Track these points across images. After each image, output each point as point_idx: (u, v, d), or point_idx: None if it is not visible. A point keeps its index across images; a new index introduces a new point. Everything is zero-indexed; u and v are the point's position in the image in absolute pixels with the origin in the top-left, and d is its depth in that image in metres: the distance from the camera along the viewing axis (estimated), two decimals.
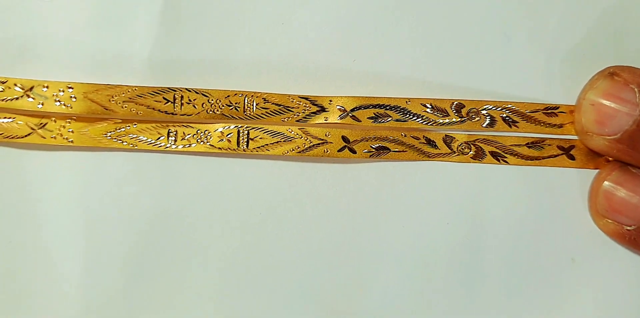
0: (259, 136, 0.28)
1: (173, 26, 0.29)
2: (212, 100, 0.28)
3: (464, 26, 0.29)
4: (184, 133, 0.29)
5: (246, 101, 0.28)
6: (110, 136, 0.28)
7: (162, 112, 0.28)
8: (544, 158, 0.29)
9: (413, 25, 0.29)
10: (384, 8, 0.29)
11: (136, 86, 0.28)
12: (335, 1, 0.29)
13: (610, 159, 0.29)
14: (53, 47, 0.29)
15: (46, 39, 0.29)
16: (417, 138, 0.29)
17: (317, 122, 0.28)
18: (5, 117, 0.28)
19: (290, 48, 0.29)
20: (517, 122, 0.29)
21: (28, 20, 0.29)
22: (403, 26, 0.29)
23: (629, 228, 0.28)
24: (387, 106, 0.28)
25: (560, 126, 0.29)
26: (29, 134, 0.28)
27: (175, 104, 0.28)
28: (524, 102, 0.29)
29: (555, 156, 0.29)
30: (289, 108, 0.28)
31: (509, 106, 0.29)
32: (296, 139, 0.28)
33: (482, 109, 0.29)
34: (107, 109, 0.28)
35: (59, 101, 0.28)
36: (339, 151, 0.29)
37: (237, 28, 0.29)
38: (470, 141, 0.29)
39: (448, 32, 0.29)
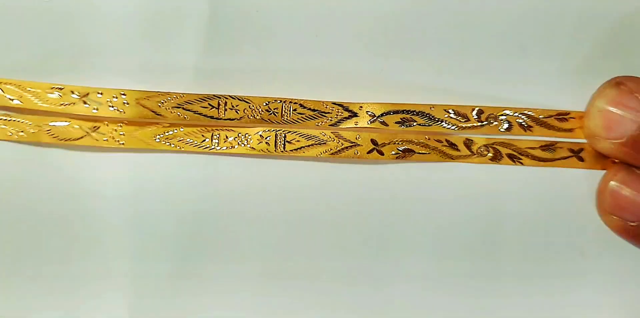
0: (295, 139, 0.31)
1: (217, 38, 0.30)
2: (253, 106, 0.30)
3: (483, 39, 0.31)
4: (226, 136, 0.31)
5: (284, 106, 0.30)
6: (158, 138, 0.31)
7: (207, 117, 0.30)
8: (556, 159, 0.31)
9: (436, 38, 0.31)
10: (410, 22, 0.31)
11: (184, 93, 0.30)
12: (363, 16, 0.31)
13: (617, 161, 0.30)
14: (106, 57, 0.30)
15: (100, 49, 0.30)
16: (440, 141, 0.31)
17: (348, 126, 0.30)
18: (61, 121, 0.31)
19: (323, 58, 0.30)
20: (532, 127, 0.30)
21: (83, 31, 0.30)
22: (427, 39, 0.31)
23: (632, 224, 0.29)
24: (413, 111, 0.30)
25: (571, 130, 0.30)
26: (83, 137, 0.30)
27: (220, 110, 0.30)
28: (538, 109, 0.30)
29: (566, 158, 0.31)
30: (323, 113, 0.30)
31: (525, 112, 0.30)
32: (329, 142, 0.31)
33: (500, 115, 0.30)
34: (157, 114, 0.30)
35: (112, 106, 0.30)
36: (368, 153, 0.30)
37: (276, 40, 0.30)
38: (488, 144, 0.31)
39: (469, 44, 0.31)
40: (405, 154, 0.31)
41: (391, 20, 0.31)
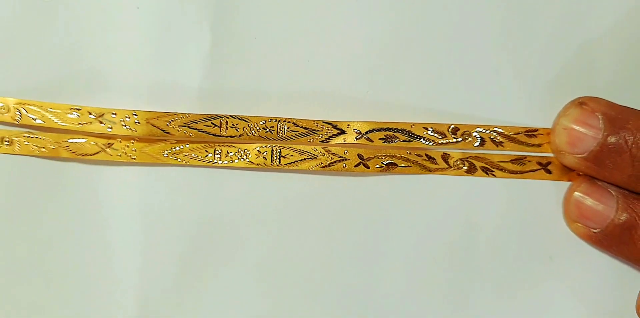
0: (289, 154, 0.34)
1: (219, 61, 0.33)
2: (251, 124, 0.33)
3: (459, 62, 0.33)
4: (227, 151, 0.34)
5: (279, 125, 0.33)
6: (167, 154, 0.34)
7: (210, 134, 0.33)
8: (525, 172, 0.33)
9: (416, 62, 0.34)
10: (392, 49, 0.34)
11: (189, 113, 0.33)
12: (351, 43, 0.34)
13: (580, 173, 0.33)
14: (118, 79, 0.33)
15: (112, 71, 0.33)
16: (420, 156, 0.34)
17: (337, 142, 0.33)
18: (79, 138, 0.34)
19: (315, 81, 0.33)
20: (503, 142, 0.33)
21: (97, 55, 0.34)
22: (408, 63, 0.34)
23: (595, 231, 0.32)
24: (395, 129, 0.33)
25: (539, 145, 0.33)
26: (98, 152, 0.34)
27: (221, 128, 0.33)
28: (508, 126, 0.33)
29: (535, 170, 0.33)
30: (314, 131, 0.33)
31: (496, 129, 0.33)
32: (320, 157, 0.34)
33: (474, 132, 0.33)
34: (165, 132, 0.33)
35: (125, 125, 0.33)
36: (355, 166, 0.33)
37: (272, 63, 0.33)
38: (464, 158, 0.34)
39: (446, 67, 0.33)
40: (389, 167, 0.34)
41: (375, 47, 0.34)
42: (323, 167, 0.33)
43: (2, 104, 0.34)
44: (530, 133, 0.33)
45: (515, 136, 0.33)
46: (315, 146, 0.34)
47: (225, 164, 0.34)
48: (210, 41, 0.34)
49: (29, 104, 0.34)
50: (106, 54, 0.34)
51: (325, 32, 0.34)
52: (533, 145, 0.33)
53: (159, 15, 0.34)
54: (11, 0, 0.34)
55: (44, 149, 0.34)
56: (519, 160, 0.34)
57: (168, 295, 0.34)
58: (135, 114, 0.33)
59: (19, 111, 0.34)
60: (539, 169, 0.34)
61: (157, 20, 0.34)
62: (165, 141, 0.34)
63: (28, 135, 0.34)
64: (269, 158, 0.34)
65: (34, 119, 0.33)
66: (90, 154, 0.34)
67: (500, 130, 0.33)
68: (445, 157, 0.34)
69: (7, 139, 0.34)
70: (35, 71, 0.34)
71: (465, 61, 0.34)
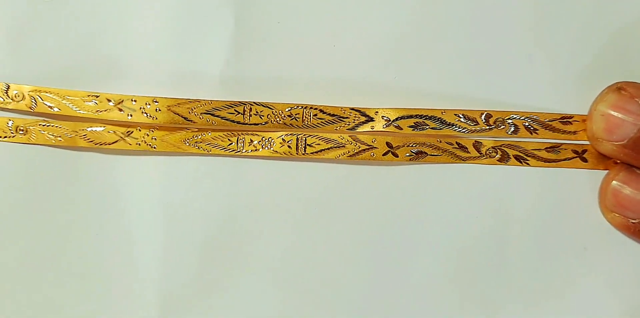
0: (315, 142, 0.33)
1: (242, 47, 0.32)
2: (276, 112, 0.32)
3: (492, 47, 0.32)
4: (251, 139, 0.33)
5: (304, 112, 0.32)
6: (188, 142, 0.33)
7: (233, 122, 0.32)
8: (560, 160, 0.32)
9: (447, 46, 0.32)
10: (421, 32, 0.33)
11: (212, 100, 0.32)
12: (378, 26, 0.32)
13: (618, 161, 0.32)
14: (138, 66, 0.32)
15: (132, 58, 0.32)
16: (451, 144, 0.33)
17: (364, 130, 0.32)
18: (96, 127, 0.33)
19: (341, 66, 0.32)
20: (537, 129, 0.32)
21: (116, 42, 0.33)
22: (438, 47, 0.32)
23: (633, 221, 0.31)
24: (425, 116, 0.32)
25: (575, 133, 0.32)
26: (116, 141, 0.33)
27: (245, 116, 0.32)
28: (543, 113, 0.32)
29: (570, 159, 0.32)
30: (341, 118, 0.32)
31: (531, 115, 0.32)
32: (347, 145, 0.33)
33: (508, 119, 0.32)
34: (187, 120, 0.32)
35: (145, 112, 0.32)
36: (383, 155, 0.32)
37: (296, 49, 0.32)
38: (496, 146, 0.33)
39: (478, 52, 0.32)
40: (418, 156, 0.32)
41: (403, 31, 0.33)
42: (350, 156, 0.32)
43: (17, 92, 0.33)
44: (565, 120, 0.32)
45: (550, 123, 0.32)
46: (342, 134, 0.32)
47: (248, 153, 0.33)
48: (233, 26, 0.33)
49: (44, 92, 0.32)
50: (125, 39, 0.33)
51: (352, 15, 0.33)
52: (568, 132, 0.32)
53: None
54: None
55: (60, 139, 0.33)
56: (553, 148, 0.33)
57: (189, 288, 0.33)
58: (156, 101, 0.32)
59: (34, 98, 0.32)
60: (574, 158, 0.33)
61: (178, 4, 0.33)
62: (187, 129, 0.32)
63: (44, 124, 0.33)
64: (293, 146, 0.32)
65: (51, 108, 0.32)
66: (109, 144, 0.33)
67: (534, 117, 0.32)
68: (477, 145, 0.33)
69: (22, 128, 0.33)
70: (51, 57, 0.33)
71: (497, 45, 0.33)
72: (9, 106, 0.33)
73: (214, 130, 0.33)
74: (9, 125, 0.33)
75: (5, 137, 0.33)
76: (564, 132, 0.32)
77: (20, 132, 0.33)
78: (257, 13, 0.33)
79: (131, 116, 0.32)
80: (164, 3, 0.33)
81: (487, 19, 0.33)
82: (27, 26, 0.33)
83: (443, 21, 0.33)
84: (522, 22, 0.33)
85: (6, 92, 0.33)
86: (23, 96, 0.33)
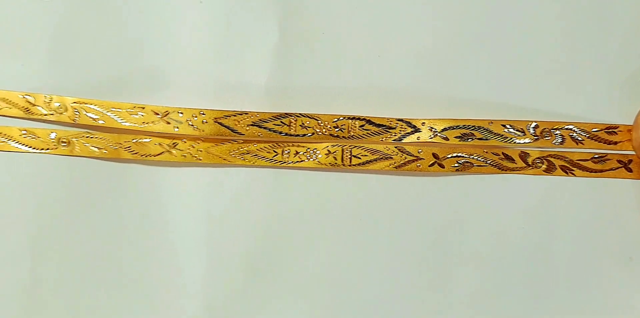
0: (361, 154, 0.32)
1: (286, 57, 0.32)
2: (322, 123, 0.32)
3: (537, 57, 0.32)
4: (296, 151, 0.32)
5: (350, 123, 0.32)
6: (233, 154, 0.32)
7: (279, 133, 0.32)
8: (605, 170, 0.32)
9: (492, 57, 0.32)
10: (467, 42, 0.32)
11: (258, 112, 0.32)
12: (423, 36, 0.32)
13: None
14: (182, 76, 0.32)
15: (176, 69, 0.32)
16: (497, 154, 0.32)
17: (410, 141, 0.32)
18: (142, 138, 0.33)
19: (386, 76, 0.32)
20: (583, 140, 0.32)
21: (159, 52, 0.32)
22: (483, 58, 0.32)
23: None
24: (472, 126, 0.32)
25: (620, 142, 0.32)
26: (162, 153, 0.32)
27: (291, 127, 0.32)
28: (589, 123, 0.32)
29: (615, 169, 0.32)
30: (388, 129, 0.32)
31: (576, 126, 0.32)
32: (393, 156, 0.32)
33: (554, 129, 0.32)
34: (233, 132, 0.32)
35: (192, 124, 0.32)
36: (429, 166, 0.32)
37: (341, 59, 0.32)
38: (542, 156, 0.33)
39: (524, 63, 0.32)
40: (465, 166, 0.32)
41: (449, 40, 0.33)
42: (396, 167, 0.32)
43: (59, 104, 0.32)
44: (610, 130, 0.32)
45: (595, 133, 0.32)
46: (387, 145, 0.32)
47: (293, 165, 0.32)
48: (278, 36, 0.32)
49: (87, 103, 0.32)
50: (169, 50, 0.33)
51: (397, 25, 0.33)
52: (613, 142, 0.32)
53: (223, 9, 0.32)
54: None
55: (104, 151, 0.32)
56: (599, 158, 0.33)
57: (233, 300, 0.33)
58: (203, 113, 0.32)
59: (77, 110, 0.32)
60: (619, 168, 0.33)
61: (222, 14, 0.32)
62: (232, 140, 0.32)
63: (87, 136, 0.33)
64: (339, 157, 0.32)
65: (95, 119, 0.32)
66: (154, 155, 0.32)
67: (580, 127, 0.32)
68: (523, 155, 0.33)
69: (65, 140, 0.33)
70: (94, 68, 0.33)
71: (543, 56, 0.33)
72: (51, 118, 0.32)
73: (259, 141, 0.32)
74: (52, 137, 0.33)
75: (47, 149, 0.33)
76: (609, 142, 0.32)
77: (63, 144, 0.33)
78: (302, 23, 0.32)
79: (178, 128, 0.32)
80: (208, 14, 0.32)
81: (534, 29, 0.33)
82: (69, 37, 0.33)
83: (489, 31, 0.33)
84: (568, 32, 0.33)
85: (48, 104, 0.32)
86: (66, 107, 0.32)
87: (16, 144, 0.33)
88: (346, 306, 0.33)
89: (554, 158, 0.33)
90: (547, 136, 0.32)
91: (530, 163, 0.33)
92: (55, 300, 0.33)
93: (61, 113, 0.32)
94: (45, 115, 0.32)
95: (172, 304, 0.33)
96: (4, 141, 0.33)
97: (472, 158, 0.32)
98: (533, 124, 0.32)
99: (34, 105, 0.32)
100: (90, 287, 0.33)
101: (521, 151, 0.33)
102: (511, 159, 0.33)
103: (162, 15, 0.32)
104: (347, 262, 0.33)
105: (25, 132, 0.33)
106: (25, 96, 0.32)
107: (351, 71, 0.32)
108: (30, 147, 0.33)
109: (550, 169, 0.33)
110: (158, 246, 0.33)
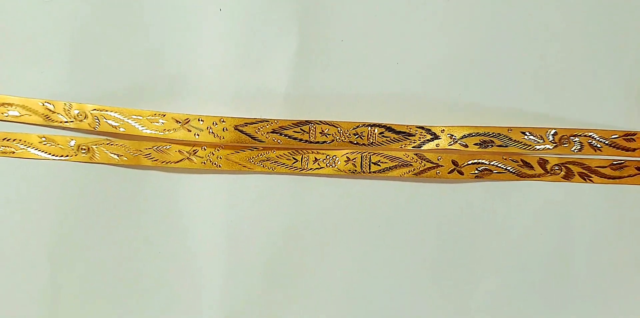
0: (380, 160, 0.32)
1: (306, 65, 0.32)
2: (342, 130, 0.32)
3: (557, 65, 0.32)
4: (315, 158, 0.33)
5: (370, 130, 0.32)
6: (252, 161, 0.32)
7: (299, 140, 0.32)
8: (623, 177, 0.32)
9: (512, 63, 0.32)
10: (485, 49, 0.33)
11: (278, 119, 0.32)
12: (440, 43, 0.32)
13: None
14: (201, 84, 0.32)
15: (195, 76, 0.32)
16: (516, 161, 0.33)
17: (429, 148, 0.32)
18: (162, 146, 0.33)
19: (405, 84, 0.32)
20: (601, 147, 0.32)
21: (179, 60, 0.32)
22: (502, 64, 0.32)
23: None
24: (492, 133, 0.32)
25: (638, 149, 0.32)
26: (182, 160, 0.32)
27: (311, 134, 0.32)
28: (607, 130, 0.32)
29: (634, 175, 0.32)
30: (407, 136, 0.32)
31: (595, 133, 0.32)
32: (412, 163, 0.33)
33: (572, 136, 0.32)
34: (254, 139, 0.32)
35: (212, 132, 0.32)
36: (449, 173, 0.32)
37: (360, 67, 0.32)
38: (561, 163, 0.33)
39: (544, 70, 0.32)
40: (484, 173, 0.32)
41: (467, 47, 0.33)
42: (415, 174, 0.32)
43: (78, 111, 0.32)
44: (629, 137, 0.32)
45: (613, 140, 0.32)
46: (406, 152, 0.32)
47: (312, 171, 0.32)
48: (297, 44, 0.33)
49: (108, 110, 0.32)
50: (188, 58, 0.33)
51: (415, 32, 0.33)
52: (632, 149, 0.33)
53: (243, 17, 0.32)
54: (89, 2, 0.32)
55: (124, 158, 0.32)
56: (617, 165, 0.33)
57: (253, 306, 0.33)
58: (223, 121, 0.32)
59: (97, 118, 0.32)
60: (637, 174, 0.33)
61: (242, 22, 0.32)
62: (251, 147, 0.32)
63: (107, 143, 0.33)
64: (358, 164, 0.32)
65: (115, 127, 0.32)
66: (174, 162, 0.32)
67: (598, 134, 0.32)
68: (542, 162, 0.33)
69: (84, 147, 0.33)
70: (113, 76, 0.33)
71: (561, 63, 0.33)
72: (71, 126, 0.33)
73: (278, 148, 0.32)
74: (71, 145, 0.33)
75: (67, 156, 0.33)
76: (627, 149, 0.33)
77: (83, 151, 0.33)
78: (321, 31, 0.32)
79: (198, 135, 0.32)
80: (228, 22, 0.32)
81: (554, 37, 0.33)
82: (90, 44, 0.33)
83: (508, 38, 0.33)
84: (588, 39, 0.33)
85: (68, 112, 0.32)
86: (85, 115, 0.32)
87: (36, 151, 0.33)
88: (365, 313, 0.33)
89: (573, 164, 0.33)
90: (565, 143, 0.32)
91: (548, 170, 0.33)
92: (74, 308, 0.33)
93: (81, 120, 0.32)
94: (65, 122, 0.33)
95: (191, 312, 0.33)
96: (23, 148, 0.33)
97: (492, 164, 0.32)
98: (552, 131, 0.32)
99: (54, 112, 0.32)
100: (109, 295, 0.33)
101: (540, 158, 0.33)
102: (530, 166, 0.33)
103: (183, 23, 0.32)
104: (366, 269, 0.33)
105: (44, 139, 0.33)
106: (45, 103, 0.33)
107: (370, 78, 0.33)
108: (49, 154, 0.33)
109: (568, 176, 0.33)
110: (177, 254, 0.33)
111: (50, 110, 0.33)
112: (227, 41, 0.32)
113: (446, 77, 0.33)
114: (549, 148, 0.32)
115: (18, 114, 0.33)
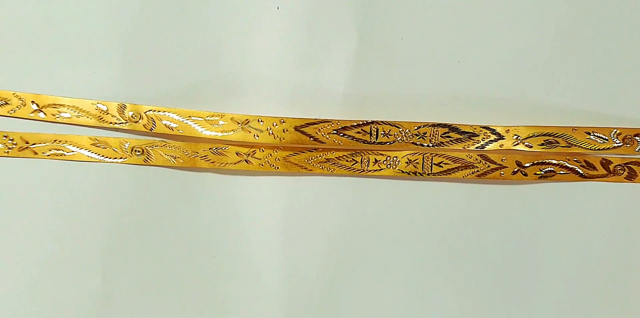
0: (443, 162, 0.32)
1: (365, 64, 0.32)
2: (404, 130, 0.31)
3: (622, 64, 0.32)
4: (375, 159, 0.32)
5: (432, 130, 0.32)
6: (311, 162, 0.32)
7: (360, 141, 0.31)
8: None
9: (577, 62, 0.32)
10: (549, 48, 0.32)
11: (339, 120, 0.31)
12: (502, 42, 0.32)
13: None
14: (259, 84, 0.32)
15: (253, 76, 0.32)
16: (579, 162, 0.32)
17: (493, 148, 0.32)
18: (220, 147, 0.32)
19: (466, 83, 0.32)
20: None
21: (236, 59, 0.32)
22: (568, 63, 0.32)
23: None
24: (556, 134, 0.32)
25: None
26: (239, 162, 0.32)
27: (372, 135, 0.31)
28: None
29: None
30: (472, 136, 0.32)
31: None
32: (475, 164, 0.32)
33: (636, 136, 0.32)
34: (314, 140, 0.31)
35: (272, 133, 0.31)
36: (512, 174, 0.32)
37: (420, 66, 0.32)
38: (624, 163, 0.32)
39: (609, 69, 0.32)
40: (547, 174, 0.32)
41: (530, 47, 0.32)
42: (479, 175, 0.32)
43: (133, 112, 0.32)
44: None
45: None
46: (469, 153, 0.32)
47: (372, 173, 0.32)
48: (356, 42, 0.32)
49: (165, 111, 0.32)
50: (246, 57, 0.32)
51: (477, 30, 0.32)
52: None
53: (301, 15, 0.32)
54: (142, 1, 0.32)
55: (180, 160, 0.32)
56: None
57: (312, 309, 0.32)
58: (283, 121, 0.31)
59: (153, 119, 0.32)
60: None
61: (300, 20, 0.32)
62: (310, 149, 0.32)
63: (163, 144, 0.32)
64: (420, 166, 0.32)
65: (172, 128, 0.31)
66: (232, 164, 0.32)
67: None
68: (604, 163, 0.32)
69: (139, 149, 0.32)
70: (166, 76, 0.32)
71: (626, 62, 0.32)
72: (125, 127, 0.32)
73: (337, 150, 0.32)
74: (125, 146, 0.32)
75: (120, 158, 0.32)
76: None
77: (137, 153, 0.32)
78: (381, 29, 0.32)
79: (258, 136, 0.31)
80: (286, 20, 0.32)
81: (618, 35, 0.32)
82: (143, 43, 0.32)
83: (572, 37, 0.32)
84: None
85: (122, 113, 0.32)
86: (140, 116, 0.32)
87: (89, 153, 0.32)
88: (426, 314, 0.32)
89: (635, 164, 0.32)
90: (628, 143, 0.32)
91: (611, 170, 0.32)
92: (126, 313, 0.32)
93: (136, 122, 0.32)
94: (119, 124, 0.32)
95: (249, 314, 0.32)
96: (75, 151, 0.32)
97: (554, 165, 0.32)
98: (616, 131, 0.32)
99: (107, 113, 0.32)
100: (162, 300, 0.32)
101: (602, 158, 0.32)
102: (592, 167, 0.32)
103: (240, 21, 0.32)
104: (428, 272, 0.32)
105: (97, 141, 0.32)
106: (97, 104, 0.32)
107: (430, 77, 0.32)
108: (103, 156, 0.32)
109: (631, 177, 0.32)
110: (233, 258, 0.32)
111: (103, 111, 0.32)
112: (284, 39, 0.32)
113: (508, 77, 0.32)
114: (612, 148, 0.32)
115: (69, 115, 0.32)
